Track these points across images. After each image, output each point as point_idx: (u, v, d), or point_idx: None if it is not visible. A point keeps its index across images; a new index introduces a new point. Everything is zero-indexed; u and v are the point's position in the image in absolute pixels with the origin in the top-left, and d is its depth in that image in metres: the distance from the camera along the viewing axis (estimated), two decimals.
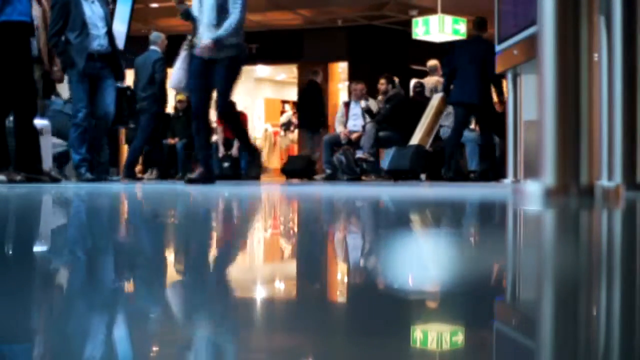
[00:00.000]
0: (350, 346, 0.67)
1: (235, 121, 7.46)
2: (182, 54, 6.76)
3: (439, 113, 9.96)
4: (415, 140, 9.87)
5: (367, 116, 11.06)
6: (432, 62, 11.64)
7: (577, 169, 2.21)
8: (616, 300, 0.90)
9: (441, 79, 10.91)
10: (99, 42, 7.37)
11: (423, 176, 9.69)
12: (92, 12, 7.37)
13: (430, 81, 11.45)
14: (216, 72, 6.51)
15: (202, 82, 6.57)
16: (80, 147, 7.35)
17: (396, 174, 9.65)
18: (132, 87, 9.29)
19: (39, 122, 7.15)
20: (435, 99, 10.06)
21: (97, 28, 7.37)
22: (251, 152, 7.36)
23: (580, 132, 2.21)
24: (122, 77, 7.93)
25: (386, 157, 10.18)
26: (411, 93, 12.30)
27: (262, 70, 20.21)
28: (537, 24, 2.28)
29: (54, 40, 7.28)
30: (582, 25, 2.22)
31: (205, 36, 6.51)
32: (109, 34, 7.50)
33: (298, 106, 13.20)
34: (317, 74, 13.64)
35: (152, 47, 9.81)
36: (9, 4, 6.14)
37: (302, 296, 1.00)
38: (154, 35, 9.95)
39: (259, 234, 1.98)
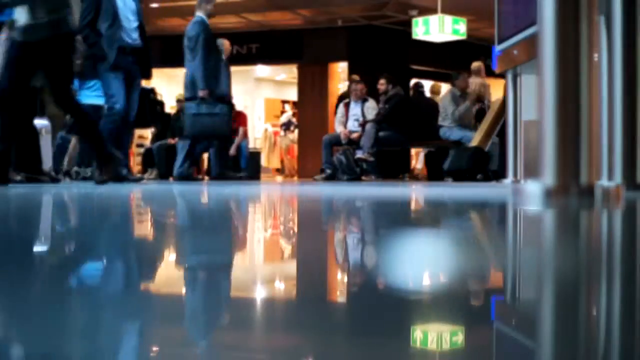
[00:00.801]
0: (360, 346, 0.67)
1: (79, 116, 6.15)
2: (3, 36, 6.11)
3: (498, 116, 9.90)
4: (474, 142, 9.87)
5: (366, 116, 11.04)
6: (476, 64, 11.27)
7: (577, 169, 2.21)
8: (616, 300, 0.90)
9: (485, 82, 10.82)
10: (130, 35, 7.22)
11: (480, 176, 9.63)
12: (124, 4, 7.25)
13: (473, 83, 11.05)
14: (40, 56, 5.70)
15: (18, 65, 5.72)
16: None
17: (455, 175, 9.62)
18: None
19: (39, 122, 7.14)
20: (496, 103, 10.00)
21: (129, 21, 7.24)
22: (101, 156, 6.02)
23: (580, 132, 2.21)
24: (149, 75, 7.61)
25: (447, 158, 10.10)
26: (411, 92, 12.27)
27: (262, 70, 20.20)
28: (537, 24, 2.28)
29: (86, 31, 7.02)
30: (582, 25, 2.22)
31: (20, 15, 5.68)
32: (140, 28, 7.35)
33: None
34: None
35: None
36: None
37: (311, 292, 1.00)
38: (217, 42, 9.99)
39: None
